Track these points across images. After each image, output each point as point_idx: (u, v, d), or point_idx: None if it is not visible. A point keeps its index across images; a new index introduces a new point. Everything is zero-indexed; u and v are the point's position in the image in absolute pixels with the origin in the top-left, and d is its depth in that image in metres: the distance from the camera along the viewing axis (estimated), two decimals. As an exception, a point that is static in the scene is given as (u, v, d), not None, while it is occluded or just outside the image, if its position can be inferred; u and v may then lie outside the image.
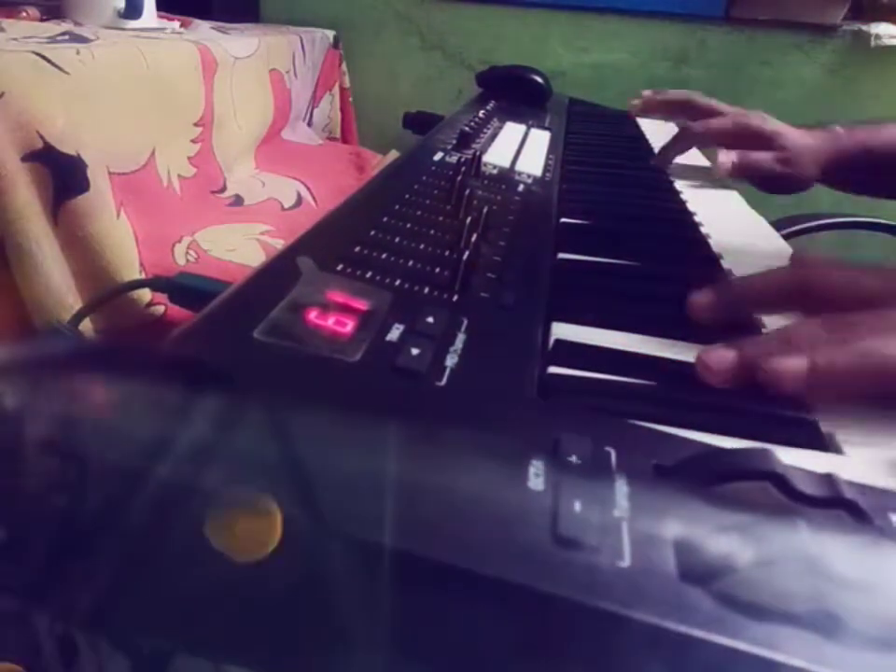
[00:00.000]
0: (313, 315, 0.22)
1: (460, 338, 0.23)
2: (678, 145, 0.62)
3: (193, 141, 0.66)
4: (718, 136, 0.58)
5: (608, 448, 0.16)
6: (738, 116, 0.58)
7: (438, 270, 0.28)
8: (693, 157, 0.68)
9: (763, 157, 0.54)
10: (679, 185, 0.56)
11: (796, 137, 0.54)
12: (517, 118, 0.69)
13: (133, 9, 0.69)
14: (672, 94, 0.70)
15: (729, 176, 0.55)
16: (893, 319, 0.23)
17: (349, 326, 0.22)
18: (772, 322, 0.29)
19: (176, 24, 0.80)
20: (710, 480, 0.15)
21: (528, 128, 0.65)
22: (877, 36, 0.95)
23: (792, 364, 0.22)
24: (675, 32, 1.03)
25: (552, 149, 0.59)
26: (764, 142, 0.55)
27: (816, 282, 0.27)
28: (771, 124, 0.56)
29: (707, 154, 0.70)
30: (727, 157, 0.54)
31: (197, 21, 0.86)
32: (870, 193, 0.58)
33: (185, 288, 0.38)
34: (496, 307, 0.27)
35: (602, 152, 0.64)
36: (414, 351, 0.21)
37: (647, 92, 0.71)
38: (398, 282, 0.26)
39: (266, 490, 0.13)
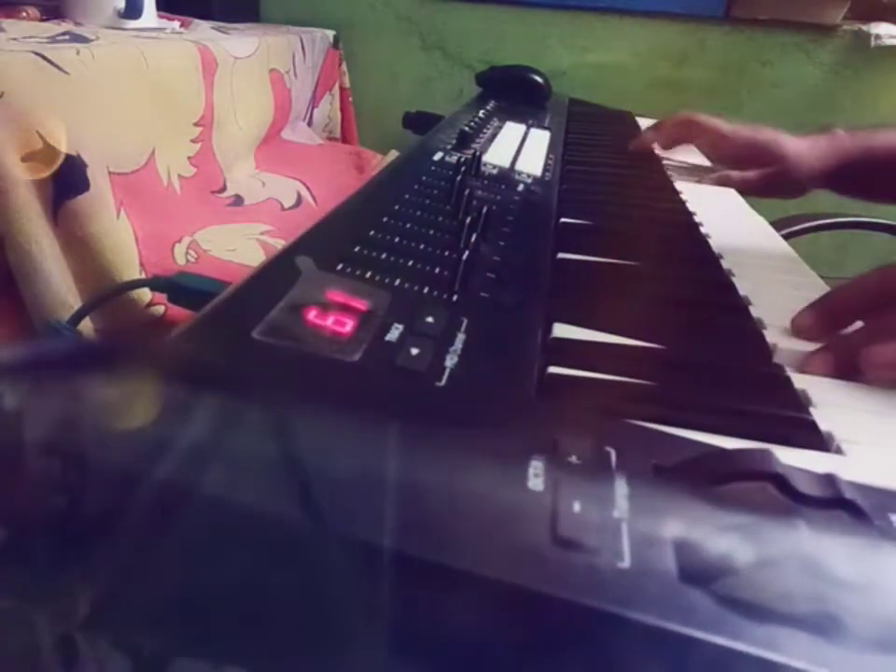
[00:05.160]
0: (312, 315, 0.22)
1: (460, 338, 0.23)
2: (679, 131, 0.62)
3: (193, 141, 0.66)
4: (720, 137, 0.58)
5: (607, 448, 0.16)
6: (736, 128, 0.58)
7: (437, 270, 0.28)
8: (694, 156, 0.68)
9: (747, 177, 0.56)
10: (679, 185, 0.56)
11: (791, 144, 0.54)
12: (517, 117, 0.69)
13: (132, 9, 0.69)
14: (669, 124, 0.64)
15: None
16: None
17: (349, 326, 0.22)
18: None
19: (176, 24, 0.80)
20: (710, 480, 0.15)
21: (528, 128, 0.65)
22: (877, 36, 0.95)
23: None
24: (675, 32, 1.03)
25: (551, 149, 0.58)
26: (760, 151, 0.55)
27: None
28: (763, 133, 0.56)
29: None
30: None
31: (197, 21, 0.86)
32: (871, 198, 0.58)
33: (184, 288, 0.37)
34: (495, 307, 0.27)
35: (602, 152, 0.64)
36: (414, 351, 0.21)
37: (646, 136, 0.66)
38: (397, 282, 0.26)
39: (266, 490, 0.13)
